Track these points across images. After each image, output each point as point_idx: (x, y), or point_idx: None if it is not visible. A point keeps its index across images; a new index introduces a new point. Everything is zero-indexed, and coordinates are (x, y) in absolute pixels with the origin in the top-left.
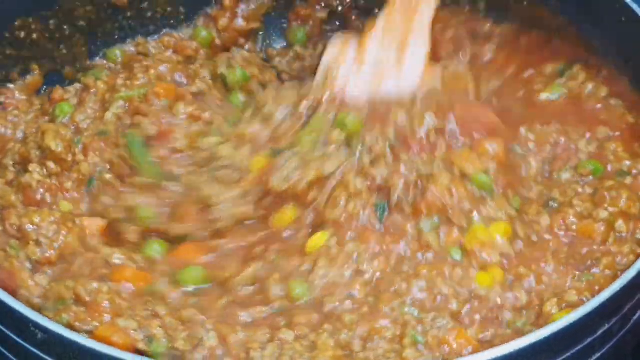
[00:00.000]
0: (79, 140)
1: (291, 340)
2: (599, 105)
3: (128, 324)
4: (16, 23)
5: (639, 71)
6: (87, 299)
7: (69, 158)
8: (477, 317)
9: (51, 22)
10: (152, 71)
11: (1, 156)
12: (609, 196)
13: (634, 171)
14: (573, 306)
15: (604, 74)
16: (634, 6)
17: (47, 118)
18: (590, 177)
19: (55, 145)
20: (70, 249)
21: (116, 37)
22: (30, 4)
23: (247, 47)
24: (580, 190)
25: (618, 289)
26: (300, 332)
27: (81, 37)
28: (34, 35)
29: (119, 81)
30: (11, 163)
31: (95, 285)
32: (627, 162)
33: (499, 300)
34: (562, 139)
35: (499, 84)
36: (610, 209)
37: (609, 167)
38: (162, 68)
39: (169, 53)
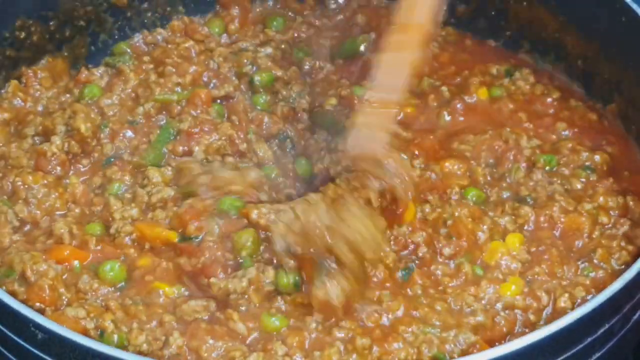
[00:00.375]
0: (106, 125)
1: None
2: (555, 103)
3: (77, 312)
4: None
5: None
6: (32, 279)
7: (93, 142)
8: (503, 323)
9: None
10: (188, 77)
11: (21, 126)
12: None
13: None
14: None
15: (556, 83)
16: (634, 6)
17: (69, 96)
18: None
19: (85, 128)
20: (54, 212)
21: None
22: None
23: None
24: (550, 186)
25: (618, 288)
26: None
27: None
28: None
29: (152, 77)
30: (32, 133)
31: (44, 267)
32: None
33: (524, 304)
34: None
35: (437, 82)
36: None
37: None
38: (192, 69)
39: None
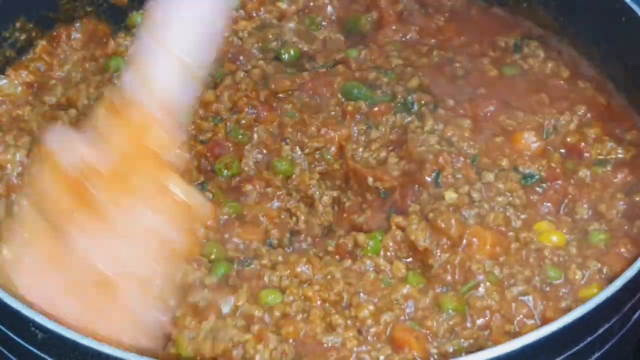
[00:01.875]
0: None
1: None
2: (565, 86)
3: None
4: None
5: (606, 52)
6: None
7: None
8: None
9: None
10: None
11: (42, 92)
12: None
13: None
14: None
15: (565, 57)
16: (634, 6)
17: (93, 63)
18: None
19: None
20: None
21: None
22: None
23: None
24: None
25: (618, 288)
26: None
27: None
28: None
29: None
30: (54, 100)
31: None
32: (610, 144)
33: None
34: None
35: (447, 56)
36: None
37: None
38: None
39: None
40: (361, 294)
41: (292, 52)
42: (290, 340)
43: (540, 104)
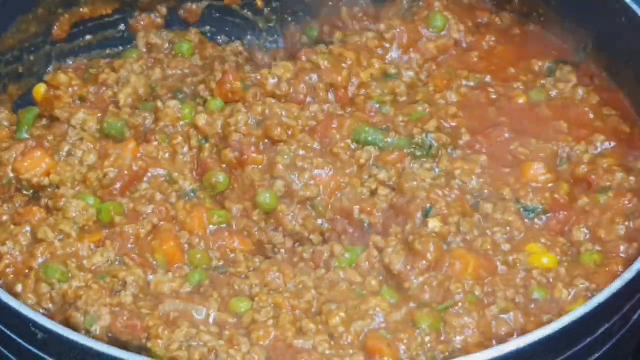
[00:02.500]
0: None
1: None
2: (589, 113)
3: None
4: None
5: (633, 80)
6: None
7: None
8: None
9: None
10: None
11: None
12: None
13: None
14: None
15: (596, 82)
16: (634, 6)
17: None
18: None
19: None
20: None
21: None
22: None
23: None
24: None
25: (617, 289)
26: None
27: None
28: None
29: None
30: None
31: None
32: (619, 175)
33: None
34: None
35: (484, 80)
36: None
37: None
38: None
39: None
40: (332, 304)
41: None
42: (262, 343)
43: (558, 132)
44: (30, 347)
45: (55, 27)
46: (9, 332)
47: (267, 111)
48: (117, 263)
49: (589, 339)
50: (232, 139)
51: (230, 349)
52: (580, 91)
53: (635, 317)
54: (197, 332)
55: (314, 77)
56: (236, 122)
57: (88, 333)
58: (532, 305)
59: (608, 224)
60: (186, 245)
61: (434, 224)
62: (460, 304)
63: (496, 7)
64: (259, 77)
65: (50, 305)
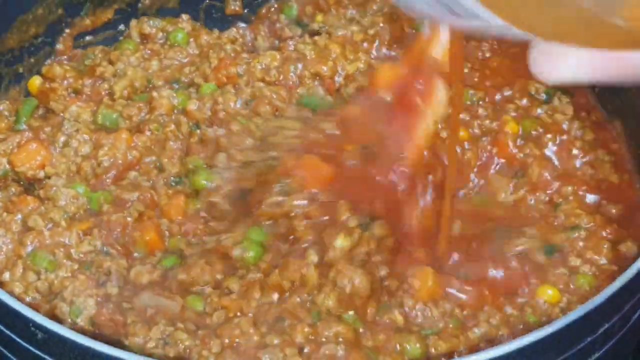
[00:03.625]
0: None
1: None
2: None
3: None
4: None
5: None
6: None
7: None
8: None
9: None
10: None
11: None
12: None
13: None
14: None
15: (593, 118)
16: None
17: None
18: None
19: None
20: None
21: None
22: None
23: None
24: None
25: (618, 288)
26: None
27: None
28: None
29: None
30: None
31: None
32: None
33: None
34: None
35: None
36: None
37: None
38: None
39: None
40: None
41: None
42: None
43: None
44: (30, 347)
45: (60, 44)
46: (8, 332)
47: (257, 93)
48: (102, 253)
49: (589, 339)
50: (217, 116)
51: (204, 349)
52: (576, 126)
53: (635, 316)
54: (174, 330)
55: (300, 65)
56: (224, 101)
57: (74, 324)
58: (521, 326)
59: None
60: (167, 232)
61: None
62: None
63: None
64: (250, 64)
65: (36, 295)
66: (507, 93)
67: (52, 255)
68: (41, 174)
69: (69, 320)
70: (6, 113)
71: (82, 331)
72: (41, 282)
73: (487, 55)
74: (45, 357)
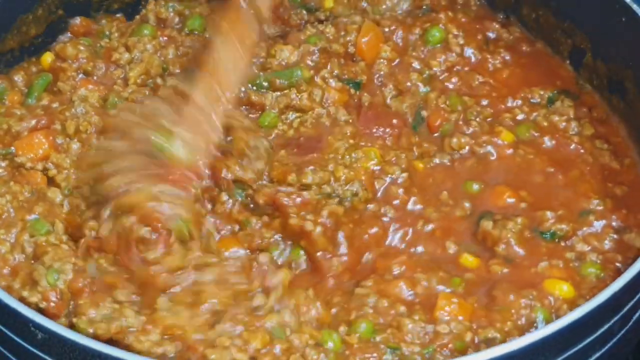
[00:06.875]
0: None
1: None
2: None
3: None
4: None
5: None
6: None
7: None
8: None
9: None
10: None
11: None
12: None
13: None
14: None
15: (595, 115)
16: (634, 6)
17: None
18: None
19: None
20: None
21: None
22: None
23: None
24: None
25: (618, 288)
26: None
27: None
28: None
29: None
30: None
31: None
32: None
33: None
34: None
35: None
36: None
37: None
38: None
39: None
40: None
41: None
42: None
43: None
44: (30, 347)
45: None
46: (8, 332)
47: None
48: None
49: (589, 339)
50: None
51: (141, 334)
52: (574, 124)
53: (636, 316)
54: (120, 307)
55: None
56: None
57: (52, 288)
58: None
59: None
60: None
61: None
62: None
63: (504, 12)
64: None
65: (18, 256)
66: (510, 104)
67: (51, 225)
68: (39, 166)
69: (45, 283)
70: (21, 85)
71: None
72: (30, 243)
73: (498, 66)
74: (45, 357)
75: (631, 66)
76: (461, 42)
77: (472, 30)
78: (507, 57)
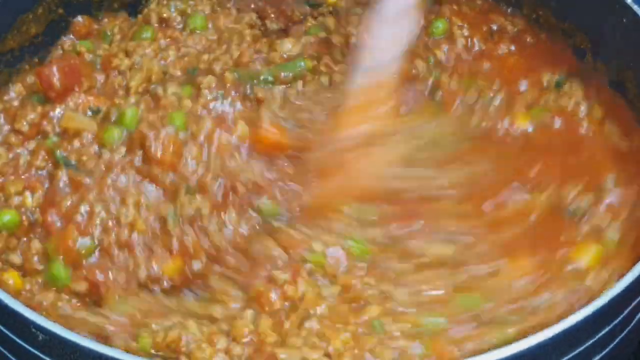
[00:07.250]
0: None
1: None
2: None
3: None
4: None
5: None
6: None
7: None
8: None
9: None
10: None
11: None
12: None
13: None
14: None
15: (602, 97)
16: (635, 7)
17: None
18: None
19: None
20: None
21: None
22: None
23: None
24: None
25: (620, 290)
26: None
27: None
28: None
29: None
30: None
31: None
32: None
33: None
34: None
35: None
36: None
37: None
38: None
39: None
40: None
41: None
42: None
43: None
44: (31, 349)
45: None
46: (9, 334)
47: None
48: None
49: (590, 341)
50: None
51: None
52: (583, 107)
53: (637, 318)
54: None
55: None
56: None
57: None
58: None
59: None
60: None
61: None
62: None
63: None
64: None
65: None
66: (522, 88)
67: None
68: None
69: None
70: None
71: None
72: None
73: (504, 56)
74: (46, 358)
75: (631, 67)
76: (466, 33)
77: (476, 22)
78: (512, 48)
